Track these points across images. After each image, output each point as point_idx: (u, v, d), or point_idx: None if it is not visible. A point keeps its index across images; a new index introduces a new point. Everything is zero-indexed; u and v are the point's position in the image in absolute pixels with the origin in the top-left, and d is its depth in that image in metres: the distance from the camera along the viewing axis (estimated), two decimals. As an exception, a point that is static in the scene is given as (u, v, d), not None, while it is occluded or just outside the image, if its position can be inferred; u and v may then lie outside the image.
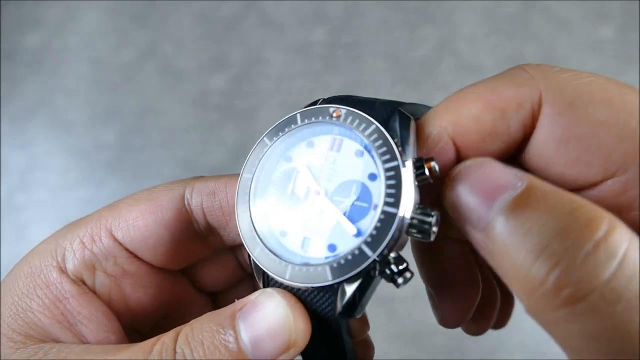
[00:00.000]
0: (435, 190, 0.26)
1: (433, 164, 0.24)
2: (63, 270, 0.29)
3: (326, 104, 0.27)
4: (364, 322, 0.31)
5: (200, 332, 0.25)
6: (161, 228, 0.31)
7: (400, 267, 0.23)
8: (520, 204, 0.21)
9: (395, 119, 0.25)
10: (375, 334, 0.31)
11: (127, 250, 0.31)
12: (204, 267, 0.35)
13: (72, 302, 0.29)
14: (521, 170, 0.23)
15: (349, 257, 0.24)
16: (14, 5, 1.46)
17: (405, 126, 0.25)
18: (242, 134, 1.29)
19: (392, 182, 0.24)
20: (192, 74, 1.34)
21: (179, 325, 0.26)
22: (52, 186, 1.27)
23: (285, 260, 0.25)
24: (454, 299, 0.32)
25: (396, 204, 0.23)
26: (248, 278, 0.37)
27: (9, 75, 1.38)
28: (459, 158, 0.26)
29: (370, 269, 0.23)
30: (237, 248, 0.35)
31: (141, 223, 0.30)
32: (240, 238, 0.28)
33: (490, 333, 0.36)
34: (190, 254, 0.33)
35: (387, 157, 0.24)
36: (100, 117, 1.32)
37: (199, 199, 0.31)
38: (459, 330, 0.38)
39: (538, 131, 0.25)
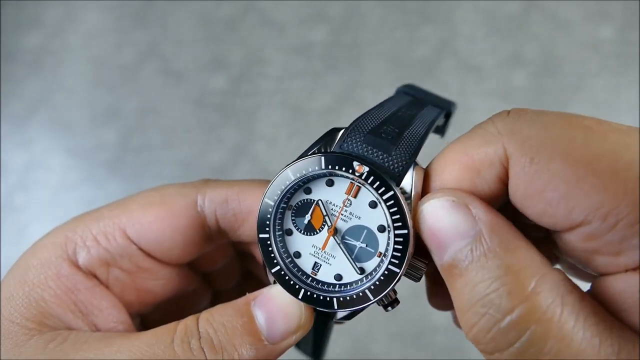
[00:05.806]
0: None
1: None
2: (74, 263, 0.31)
3: (347, 133, 0.28)
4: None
5: (221, 316, 0.28)
6: (176, 233, 0.32)
7: (391, 300, 0.29)
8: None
9: (410, 174, 0.27)
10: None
11: (141, 249, 0.32)
12: (205, 256, 0.38)
13: (85, 293, 0.30)
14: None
15: (354, 295, 0.28)
16: (14, 5, 1.46)
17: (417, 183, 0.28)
18: (242, 134, 1.29)
19: (399, 246, 0.27)
20: (192, 74, 1.34)
21: (185, 312, 0.30)
22: (52, 186, 1.27)
23: (298, 282, 0.30)
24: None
25: (400, 265, 0.27)
26: (237, 256, 0.40)
27: (9, 75, 1.38)
28: None
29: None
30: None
31: (156, 227, 0.32)
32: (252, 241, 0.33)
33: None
34: (198, 251, 0.35)
35: (399, 224, 0.27)
36: (100, 117, 1.32)
37: (212, 207, 0.33)
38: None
39: (510, 185, 0.26)
